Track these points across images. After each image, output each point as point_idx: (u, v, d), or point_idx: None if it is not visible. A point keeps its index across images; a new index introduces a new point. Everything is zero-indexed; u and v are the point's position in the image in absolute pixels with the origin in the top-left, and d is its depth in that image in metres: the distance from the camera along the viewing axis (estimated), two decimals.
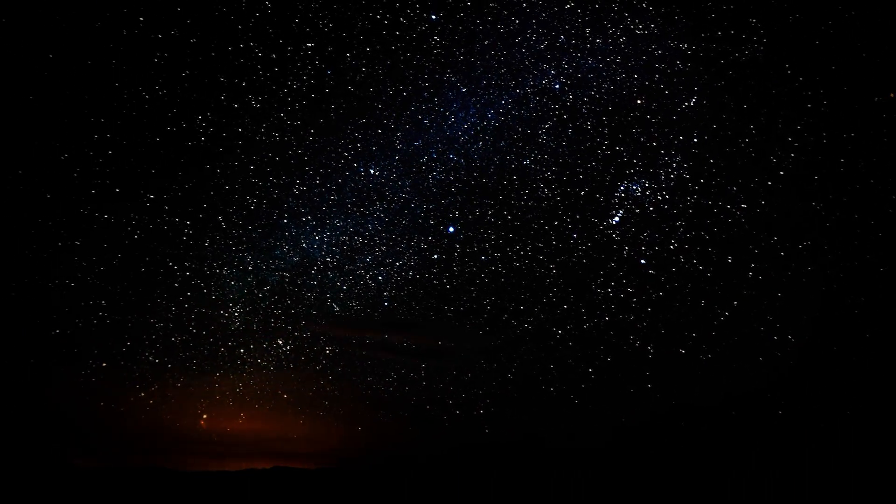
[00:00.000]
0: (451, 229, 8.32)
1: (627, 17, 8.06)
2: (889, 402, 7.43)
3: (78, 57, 6.42)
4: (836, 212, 7.93)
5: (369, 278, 8.23)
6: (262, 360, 8.19)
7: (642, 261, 8.72)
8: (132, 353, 7.86)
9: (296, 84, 7.22)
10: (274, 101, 7.33)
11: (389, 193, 8.08)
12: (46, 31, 6.22)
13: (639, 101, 8.43)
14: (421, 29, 7.63)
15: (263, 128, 7.48)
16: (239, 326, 8.11)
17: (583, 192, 8.68)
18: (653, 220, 8.75)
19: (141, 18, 6.53)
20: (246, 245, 7.79)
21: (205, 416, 8.12)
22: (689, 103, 8.45)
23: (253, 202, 7.74)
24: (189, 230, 7.59)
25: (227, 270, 7.86)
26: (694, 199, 8.63)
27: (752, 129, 8.39)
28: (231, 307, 8.03)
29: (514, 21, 7.88)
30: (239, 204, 7.76)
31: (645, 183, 8.71)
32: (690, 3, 8.08)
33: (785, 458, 7.56)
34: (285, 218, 7.86)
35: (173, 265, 7.65)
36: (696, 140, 8.55)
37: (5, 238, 6.76)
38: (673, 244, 8.71)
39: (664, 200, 8.72)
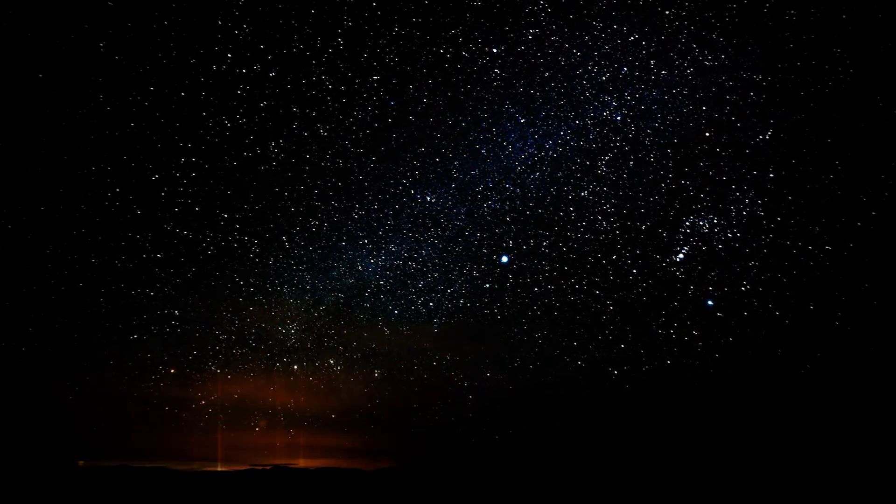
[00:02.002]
0: (505, 259, 8.26)
1: (696, 48, 7.84)
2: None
3: (167, 90, 7.17)
4: None
5: (420, 304, 8.31)
6: (313, 379, 8.43)
7: (709, 302, 8.17)
8: (198, 362, 8.36)
9: (360, 114, 7.63)
10: (340, 130, 7.75)
11: (444, 221, 8.20)
12: (135, 66, 7.00)
13: (707, 134, 8.08)
14: (482, 62, 7.83)
15: (329, 154, 7.91)
16: (294, 343, 8.43)
17: (644, 227, 8.35)
18: (722, 259, 8.22)
19: (229, 56, 7.21)
20: (306, 265, 8.16)
21: (257, 429, 8.41)
22: (765, 136, 7.98)
23: (314, 224, 8.13)
24: (256, 248, 8.09)
25: (286, 288, 8.26)
26: (769, 238, 8.04)
27: (838, 165, 7.76)
28: (288, 324, 8.38)
29: (576, 54, 7.90)
30: (302, 226, 8.17)
31: (713, 219, 8.24)
32: (766, 33, 7.73)
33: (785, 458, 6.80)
34: (343, 241, 8.18)
35: (239, 280, 8.15)
36: (772, 175, 8.03)
37: (94, 249, 7.52)
38: (745, 286, 8.11)
39: (735, 238, 8.18)
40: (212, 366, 8.36)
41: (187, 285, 8.04)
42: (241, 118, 7.45)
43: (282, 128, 7.60)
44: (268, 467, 7.50)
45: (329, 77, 7.55)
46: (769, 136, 7.97)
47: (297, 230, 8.19)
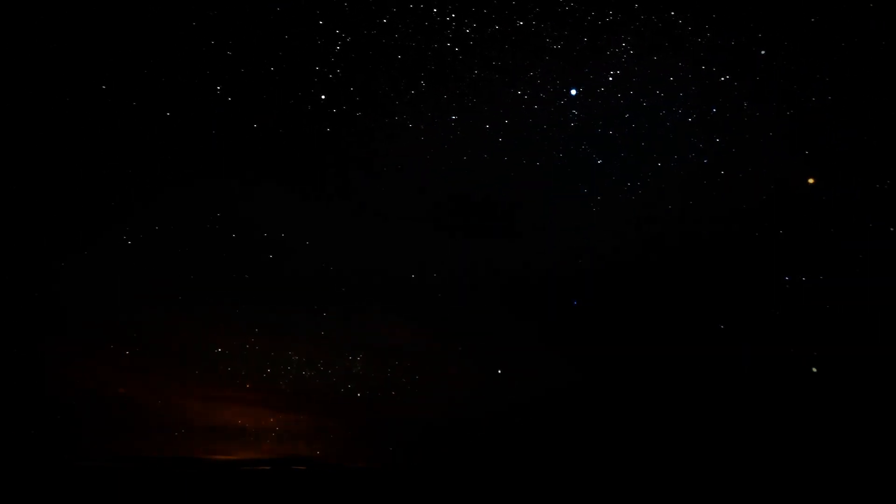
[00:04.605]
0: (574, 302, 7.92)
1: (796, 88, 7.29)
2: None
3: (260, 138, 7.95)
4: None
5: (482, 337, 8.14)
6: (373, 406, 8.46)
7: (813, 368, 7.15)
8: (271, 378, 8.77)
9: (432, 150, 7.93)
10: (414, 164, 8.07)
11: (513, 259, 8.09)
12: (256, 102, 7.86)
13: (810, 181, 7.34)
14: (560, 103, 7.85)
15: (401, 190, 8.23)
16: (358, 371, 8.58)
17: (734, 279, 7.62)
18: (831, 318, 7.22)
19: (322, 97, 7.90)
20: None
21: (318, 452, 8.54)
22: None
23: (383, 258, 8.38)
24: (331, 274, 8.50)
25: (351, 318, 8.53)
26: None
27: None
28: (356, 352, 8.59)
29: (660, 95, 7.67)
30: (371, 256, 8.46)
31: (821, 276, 7.32)
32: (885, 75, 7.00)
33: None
34: (411, 273, 8.31)
35: (315, 306, 8.56)
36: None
37: (181, 269, 8.30)
38: (859, 348, 7.01)
39: (848, 293, 7.18)
40: (282, 384, 8.73)
41: (269, 306, 8.56)
42: (325, 153, 8.05)
43: (362, 163, 8.08)
44: (267, 467, 7.47)
45: (410, 116, 7.96)
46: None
47: (365, 259, 8.48)
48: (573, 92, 7.75)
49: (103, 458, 6.65)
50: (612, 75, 7.63)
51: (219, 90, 7.71)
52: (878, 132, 6.88)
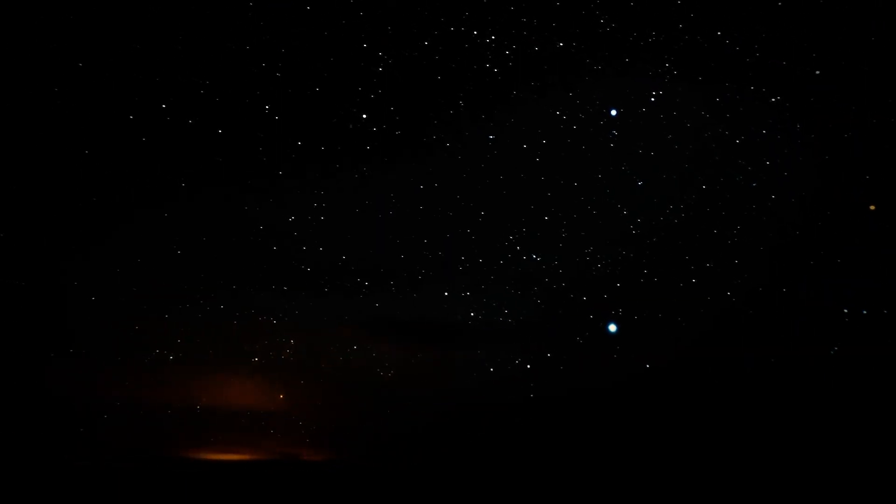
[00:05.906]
0: (613, 328, 7.67)
1: (854, 109, 6.93)
2: None
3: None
4: None
5: (517, 363, 7.98)
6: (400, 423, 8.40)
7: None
8: (306, 389, 8.88)
9: (469, 168, 7.97)
10: (451, 182, 8.12)
11: (548, 280, 7.95)
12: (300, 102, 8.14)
13: (870, 207, 6.91)
14: (600, 123, 7.77)
15: (439, 208, 8.26)
16: (387, 389, 8.58)
17: (789, 308, 7.21)
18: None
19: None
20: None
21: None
22: None
23: (421, 273, 8.41)
24: (362, 296, 8.60)
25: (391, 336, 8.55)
26: None
27: None
28: (387, 366, 8.59)
29: (704, 115, 7.48)
30: (409, 273, 8.50)
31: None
32: None
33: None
34: (446, 293, 8.29)
35: (346, 316, 8.66)
36: None
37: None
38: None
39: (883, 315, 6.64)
40: (315, 398, 8.82)
41: (306, 314, 8.70)
42: (363, 169, 8.21)
43: (399, 181, 8.20)
44: (267, 467, 7.38)
45: (448, 135, 8.05)
46: None
47: (404, 276, 8.53)
48: (613, 112, 7.65)
49: (103, 458, 6.62)
50: (654, 96, 7.49)
51: (267, 109, 8.03)
52: None
